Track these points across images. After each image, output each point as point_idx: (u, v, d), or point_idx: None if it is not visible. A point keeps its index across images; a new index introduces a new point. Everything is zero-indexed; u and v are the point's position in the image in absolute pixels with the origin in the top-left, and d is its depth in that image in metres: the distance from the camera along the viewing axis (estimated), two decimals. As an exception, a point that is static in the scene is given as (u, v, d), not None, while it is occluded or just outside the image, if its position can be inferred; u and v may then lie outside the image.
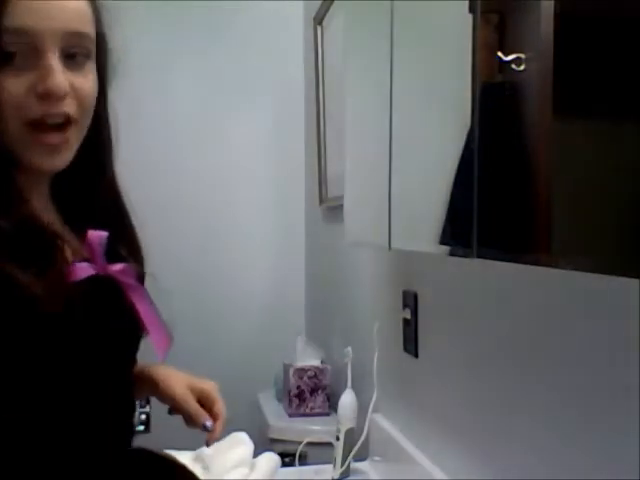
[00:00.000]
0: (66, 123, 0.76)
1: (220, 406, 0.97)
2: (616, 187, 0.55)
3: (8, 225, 0.69)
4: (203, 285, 2.50)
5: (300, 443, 1.60)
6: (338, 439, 1.48)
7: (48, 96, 0.73)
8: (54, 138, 0.75)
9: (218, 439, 0.98)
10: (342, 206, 1.44)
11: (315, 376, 2.07)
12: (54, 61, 0.73)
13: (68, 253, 0.76)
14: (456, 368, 1.15)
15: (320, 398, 2.07)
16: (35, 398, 0.68)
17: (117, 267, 0.80)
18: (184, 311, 2.48)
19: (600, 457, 0.75)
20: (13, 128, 0.73)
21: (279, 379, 2.25)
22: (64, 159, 0.77)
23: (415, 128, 1.03)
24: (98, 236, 0.78)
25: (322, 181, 2.24)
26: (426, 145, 0.98)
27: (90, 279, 0.75)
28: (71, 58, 0.76)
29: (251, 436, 1.49)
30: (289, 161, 2.63)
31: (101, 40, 0.81)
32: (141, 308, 0.81)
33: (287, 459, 1.64)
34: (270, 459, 1.45)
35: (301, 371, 2.06)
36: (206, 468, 1.44)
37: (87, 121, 0.80)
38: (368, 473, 1.51)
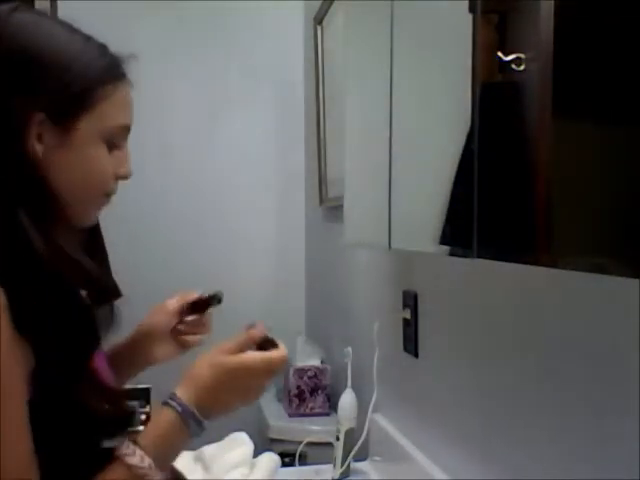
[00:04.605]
0: None
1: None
2: (616, 187, 0.55)
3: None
4: (203, 285, 2.50)
5: (300, 443, 1.60)
6: (338, 439, 1.48)
7: (124, 178, 0.88)
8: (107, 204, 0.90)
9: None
10: (342, 206, 1.44)
11: (315, 376, 2.07)
12: (129, 151, 0.89)
13: None
14: (456, 368, 1.15)
15: (320, 398, 2.07)
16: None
17: None
18: (184, 311, 2.48)
19: (600, 457, 0.75)
20: (95, 195, 0.86)
21: (279, 379, 2.25)
22: None
23: (415, 128, 1.03)
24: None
25: (322, 181, 2.24)
26: (426, 145, 0.98)
27: None
28: None
29: (251, 436, 1.50)
30: (289, 161, 2.63)
31: None
32: (99, 365, 0.84)
33: (287, 459, 1.64)
34: (270, 459, 1.45)
35: (301, 371, 2.06)
36: (206, 468, 1.44)
37: None
38: (368, 473, 1.51)
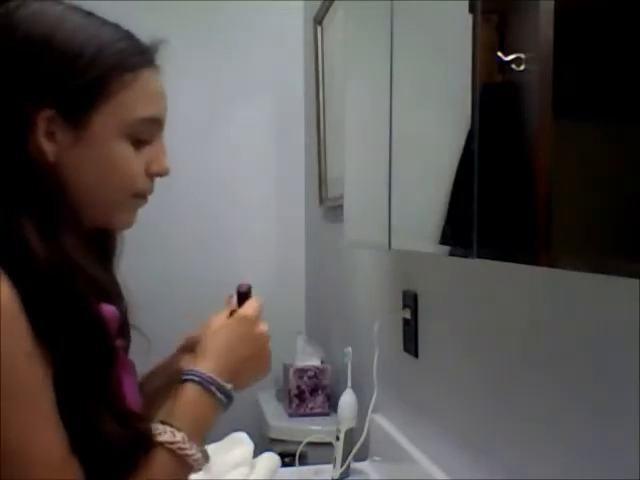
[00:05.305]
0: None
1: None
2: (616, 187, 0.55)
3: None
4: (203, 285, 2.50)
5: (300, 443, 1.60)
6: (338, 439, 1.48)
7: (160, 176, 0.82)
8: (143, 204, 0.84)
9: None
10: (342, 206, 1.44)
11: (315, 376, 2.07)
12: (164, 145, 0.83)
13: None
14: (456, 368, 1.15)
15: (320, 398, 2.07)
16: None
17: (119, 342, 0.81)
18: (184, 311, 2.49)
19: (600, 457, 0.75)
20: (121, 196, 0.80)
21: (279, 379, 2.25)
22: None
23: (415, 128, 1.03)
24: (111, 311, 0.78)
25: (322, 181, 2.24)
26: (426, 145, 0.98)
27: None
28: None
29: (251, 436, 1.49)
30: (289, 161, 2.63)
31: None
32: (127, 384, 0.80)
33: (287, 459, 1.64)
34: (270, 459, 1.45)
35: (301, 371, 2.06)
36: (206, 468, 1.43)
37: None
38: (368, 473, 1.51)
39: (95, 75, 0.74)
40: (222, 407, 0.80)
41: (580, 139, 0.61)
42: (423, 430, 1.30)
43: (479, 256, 0.77)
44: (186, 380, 0.80)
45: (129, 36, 0.79)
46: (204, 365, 0.81)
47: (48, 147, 0.73)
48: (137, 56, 0.78)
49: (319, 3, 2.18)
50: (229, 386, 0.80)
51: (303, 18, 2.59)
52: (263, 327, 0.88)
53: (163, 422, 0.77)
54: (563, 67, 0.61)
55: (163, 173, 0.83)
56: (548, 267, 0.65)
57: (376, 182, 1.16)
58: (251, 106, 2.58)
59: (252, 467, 1.41)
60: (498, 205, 0.74)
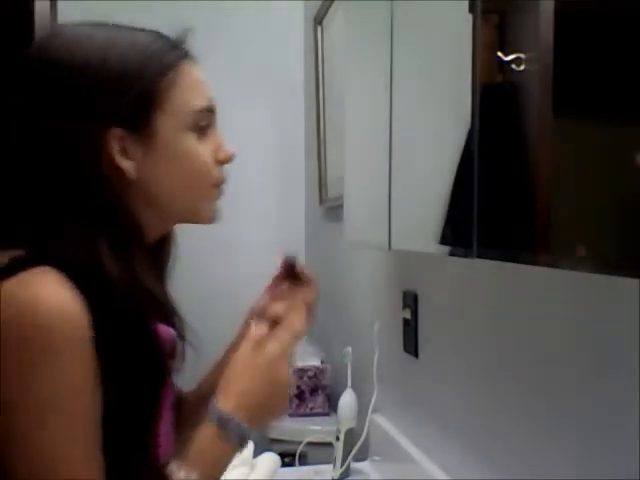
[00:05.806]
0: None
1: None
2: (616, 187, 0.55)
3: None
4: (203, 284, 2.50)
5: (300, 443, 1.60)
6: (338, 439, 1.48)
7: (227, 162, 0.84)
8: (222, 195, 0.85)
9: None
10: (342, 206, 1.44)
11: (315, 376, 2.07)
12: (219, 133, 0.84)
13: None
14: (456, 368, 1.15)
15: (320, 398, 2.07)
16: None
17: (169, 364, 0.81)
18: (184, 310, 2.49)
19: (600, 457, 0.75)
20: (202, 188, 0.82)
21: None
22: None
23: (415, 128, 1.03)
24: (167, 332, 0.79)
25: (322, 181, 2.24)
26: (426, 145, 0.98)
27: None
28: None
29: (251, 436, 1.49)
30: (289, 161, 2.63)
31: None
32: (164, 418, 0.80)
33: (287, 459, 1.64)
34: (270, 459, 1.45)
35: (301, 371, 2.06)
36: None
37: None
38: (368, 473, 1.51)
39: (143, 84, 0.76)
40: (238, 448, 0.79)
41: (580, 139, 0.61)
42: (423, 430, 1.30)
43: (479, 256, 0.77)
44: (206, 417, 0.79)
45: (160, 36, 0.82)
46: (226, 399, 0.79)
47: (126, 165, 0.76)
48: (172, 53, 0.81)
49: (319, 3, 2.18)
50: (245, 425, 0.79)
51: (303, 18, 2.59)
52: (286, 370, 0.84)
53: (180, 460, 0.76)
54: (563, 67, 0.61)
55: (229, 159, 0.84)
56: (548, 267, 0.65)
57: (376, 182, 1.16)
58: (251, 106, 2.58)
59: (252, 467, 1.42)
60: (498, 205, 0.74)
